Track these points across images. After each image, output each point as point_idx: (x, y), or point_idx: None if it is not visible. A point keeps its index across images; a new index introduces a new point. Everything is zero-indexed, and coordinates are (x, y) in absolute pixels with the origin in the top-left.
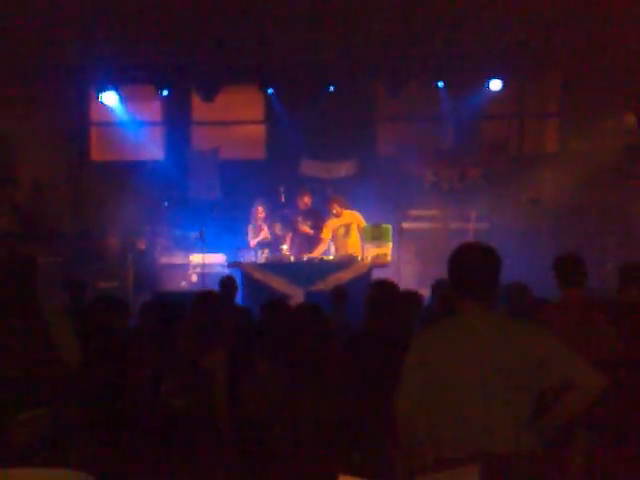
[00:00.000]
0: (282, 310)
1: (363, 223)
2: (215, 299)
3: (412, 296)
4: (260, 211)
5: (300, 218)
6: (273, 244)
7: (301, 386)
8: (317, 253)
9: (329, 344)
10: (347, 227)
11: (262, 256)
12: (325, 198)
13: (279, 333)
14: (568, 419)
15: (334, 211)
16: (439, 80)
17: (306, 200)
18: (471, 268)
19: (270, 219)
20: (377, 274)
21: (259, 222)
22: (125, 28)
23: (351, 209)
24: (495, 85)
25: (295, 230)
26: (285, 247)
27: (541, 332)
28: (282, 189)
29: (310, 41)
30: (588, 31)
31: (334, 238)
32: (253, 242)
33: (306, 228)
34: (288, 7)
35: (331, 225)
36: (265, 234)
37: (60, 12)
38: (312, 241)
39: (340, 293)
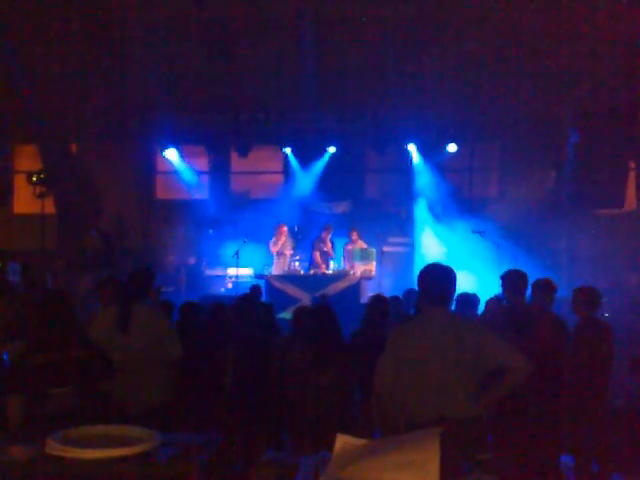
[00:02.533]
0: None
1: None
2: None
3: (395, 299)
4: (284, 230)
5: (322, 245)
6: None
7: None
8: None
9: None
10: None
11: (278, 264)
12: (328, 226)
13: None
14: (504, 393)
15: (353, 237)
16: (411, 143)
17: (327, 235)
18: (432, 281)
19: (289, 239)
20: (364, 285)
21: (281, 237)
22: (182, 105)
23: (362, 239)
24: (452, 147)
25: (321, 249)
26: (297, 263)
27: (481, 327)
28: (296, 223)
29: (316, 115)
30: (516, 109)
31: (347, 256)
32: (274, 249)
33: (328, 247)
34: (300, 92)
35: (348, 247)
36: (282, 243)
37: (135, 93)
38: (329, 258)
39: (323, 298)
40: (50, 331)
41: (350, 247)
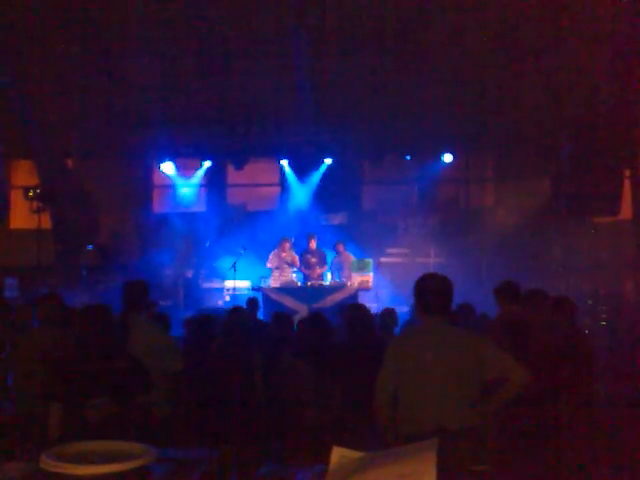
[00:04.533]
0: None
1: (353, 259)
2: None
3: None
4: (287, 246)
5: (309, 255)
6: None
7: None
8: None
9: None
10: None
11: (275, 276)
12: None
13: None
14: (503, 403)
15: (339, 250)
16: (407, 154)
17: (313, 243)
18: (429, 291)
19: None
20: (362, 295)
21: (284, 252)
22: (178, 119)
23: (348, 251)
24: (448, 158)
25: (306, 262)
26: (294, 275)
27: (480, 338)
28: (292, 234)
29: (312, 127)
30: (511, 119)
31: (335, 268)
32: (273, 262)
33: (313, 260)
34: (296, 104)
35: (335, 260)
36: (279, 260)
37: (131, 108)
38: (316, 268)
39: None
40: (92, 342)
41: (337, 260)
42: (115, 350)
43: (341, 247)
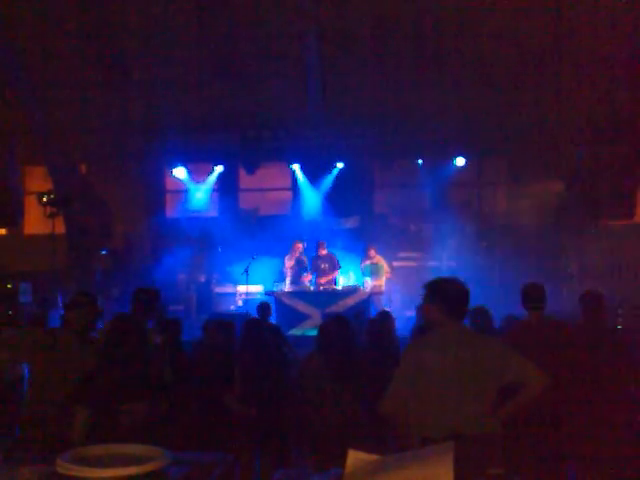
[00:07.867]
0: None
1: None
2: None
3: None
4: (299, 247)
5: (319, 261)
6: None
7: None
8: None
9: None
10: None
11: (287, 283)
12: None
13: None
14: (521, 409)
15: (370, 254)
16: (419, 158)
17: (323, 249)
18: (455, 296)
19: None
20: (374, 300)
21: (297, 253)
22: (189, 124)
23: (379, 254)
24: (460, 161)
25: (317, 267)
26: (307, 279)
27: (498, 343)
28: (304, 238)
29: (323, 131)
30: (523, 123)
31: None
32: (288, 264)
33: (324, 266)
34: (307, 108)
35: (365, 263)
36: (295, 260)
37: (143, 113)
38: (327, 274)
39: (359, 314)
40: (121, 350)
41: (367, 263)
42: (143, 356)
43: (373, 252)
